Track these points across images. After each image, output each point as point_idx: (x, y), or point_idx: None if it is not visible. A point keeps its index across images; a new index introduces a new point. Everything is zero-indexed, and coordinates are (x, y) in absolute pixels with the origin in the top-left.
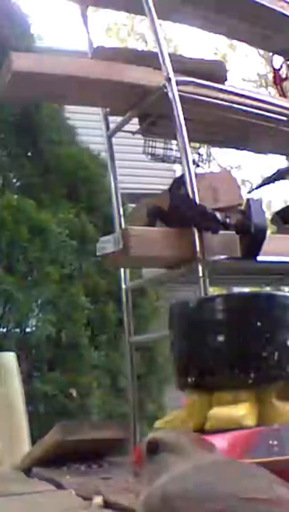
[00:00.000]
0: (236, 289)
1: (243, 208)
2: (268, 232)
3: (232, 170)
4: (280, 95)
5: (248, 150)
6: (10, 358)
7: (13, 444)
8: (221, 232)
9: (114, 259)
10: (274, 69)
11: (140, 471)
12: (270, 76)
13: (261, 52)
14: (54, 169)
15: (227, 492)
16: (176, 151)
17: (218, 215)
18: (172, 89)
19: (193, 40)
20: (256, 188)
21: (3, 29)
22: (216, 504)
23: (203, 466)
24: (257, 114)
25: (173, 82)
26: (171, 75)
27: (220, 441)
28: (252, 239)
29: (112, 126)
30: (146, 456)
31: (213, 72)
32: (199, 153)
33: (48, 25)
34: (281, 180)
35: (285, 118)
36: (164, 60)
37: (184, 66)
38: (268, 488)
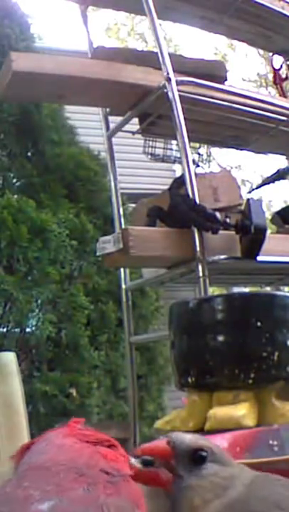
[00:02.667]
0: (236, 289)
1: (243, 208)
2: (268, 232)
3: (232, 170)
4: (280, 95)
5: (248, 150)
6: (10, 357)
7: (13, 444)
8: (221, 232)
9: (114, 259)
10: (274, 69)
11: (173, 478)
12: (270, 76)
13: (261, 52)
14: (54, 169)
15: None
16: (176, 151)
17: (218, 215)
18: (172, 89)
19: (193, 40)
20: (256, 188)
21: (3, 29)
22: None
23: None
24: (257, 114)
25: (173, 82)
26: (171, 75)
27: (220, 441)
28: (252, 239)
29: (112, 126)
30: (188, 464)
31: (213, 72)
32: (199, 153)
33: (48, 25)
34: (281, 180)
35: (285, 118)
36: (164, 60)
37: (183, 66)
38: None
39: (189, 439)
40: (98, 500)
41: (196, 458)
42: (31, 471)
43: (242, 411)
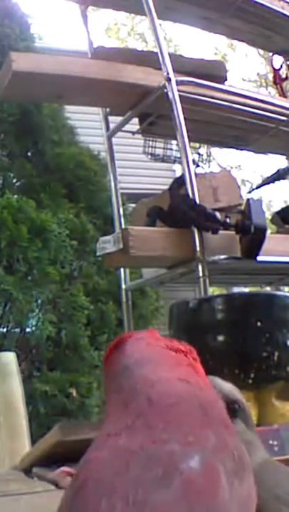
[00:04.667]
0: (236, 289)
1: (243, 208)
2: (268, 232)
3: (232, 170)
4: (280, 95)
5: (248, 150)
6: (10, 357)
7: (13, 444)
8: (221, 232)
9: (114, 259)
10: (274, 69)
11: None
12: (270, 76)
13: (261, 52)
14: (54, 169)
15: None
16: (176, 151)
17: (218, 215)
18: (172, 89)
19: (193, 40)
20: (256, 188)
21: (3, 29)
22: None
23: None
24: (257, 114)
25: (173, 82)
26: (171, 75)
27: None
28: (252, 239)
29: (112, 126)
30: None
31: (213, 72)
32: (199, 153)
33: (48, 25)
34: (281, 180)
35: (285, 118)
36: (164, 60)
37: (183, 66)
38: None
39: (229, 389)
40: (227, 445)
41: (233, 410)
42: (157, 412)
43: None
